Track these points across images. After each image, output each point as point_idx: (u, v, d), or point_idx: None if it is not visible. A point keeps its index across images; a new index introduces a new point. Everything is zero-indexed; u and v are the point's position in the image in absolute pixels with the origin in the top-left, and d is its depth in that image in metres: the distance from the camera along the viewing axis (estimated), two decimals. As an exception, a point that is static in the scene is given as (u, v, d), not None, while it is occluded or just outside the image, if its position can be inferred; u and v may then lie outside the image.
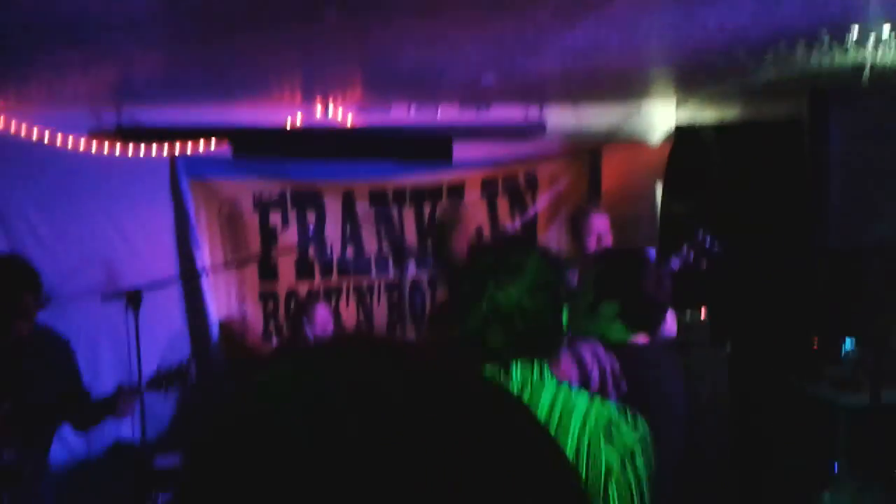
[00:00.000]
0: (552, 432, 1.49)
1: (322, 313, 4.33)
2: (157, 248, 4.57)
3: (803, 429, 4.35)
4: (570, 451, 1.48)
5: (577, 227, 4.09)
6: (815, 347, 4.68)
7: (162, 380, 3.35)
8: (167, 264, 4.55)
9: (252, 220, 4.77)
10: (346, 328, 4.84)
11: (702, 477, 4.51)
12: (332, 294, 4.87)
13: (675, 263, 3.70)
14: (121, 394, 3.22)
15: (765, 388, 4.65)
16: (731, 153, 4.89)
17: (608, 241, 3.99)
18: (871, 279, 4.42)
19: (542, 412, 1.53)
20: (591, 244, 3.97)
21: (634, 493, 1.47)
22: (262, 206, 4.79)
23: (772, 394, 4.62)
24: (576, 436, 1.50)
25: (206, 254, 4.65)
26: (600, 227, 3.98)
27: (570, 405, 1.54)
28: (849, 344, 4.35)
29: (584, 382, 1.80)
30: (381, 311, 4.99)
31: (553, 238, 5.21)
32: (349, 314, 4.93)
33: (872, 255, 4.16)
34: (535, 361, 1.60)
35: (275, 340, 4.79)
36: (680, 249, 3.74)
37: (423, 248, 5.02)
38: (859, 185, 3.98)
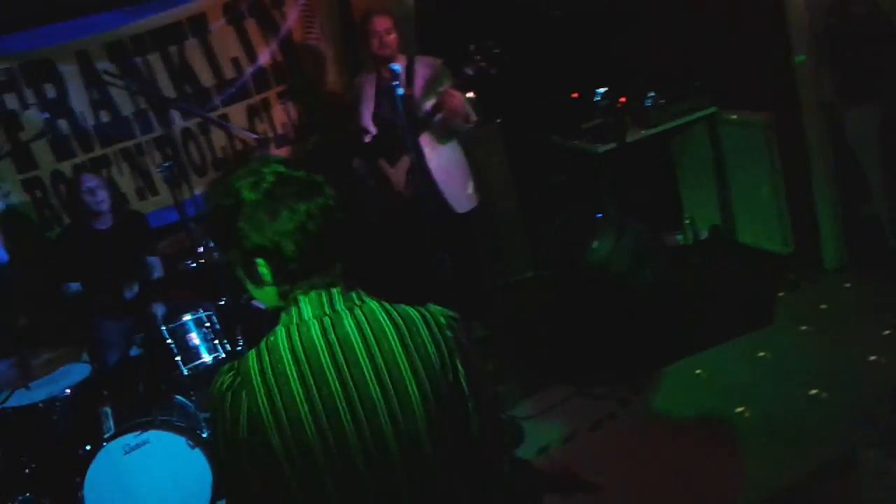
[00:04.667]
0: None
1: (91, 182, 4.16)
2: None
3: (572, 183, 4.79)
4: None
5: (363, 32, 4.14)
6: (574, 98, 4.99)
7: None
8: None
9: (-13, 109, 4.38)
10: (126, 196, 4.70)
11: (496, 243, 4.95)
12: (101, 166, 4.65)
13: (470, 72, 3.86)
14: None
15: (535, 151, 5.01)
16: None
17: (390, 39, 4.05)
18: (613, 34, 4.69)
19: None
20: (374, 46, 4.06)
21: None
22: (-7, 91, 4.39)
23: (542, 155, 4.99)
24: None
25: (-53, 158, 4.28)
26: (380, 26, 4.04)
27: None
28: (599, 95, 4.67)
29: None
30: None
31: (312, 50, 5.11)
32: (126, 180, 4.75)
33: (604, 12, 4.39)
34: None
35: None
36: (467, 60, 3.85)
37: (181, 94, 4.81)
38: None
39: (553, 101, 4.97)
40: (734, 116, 4.57)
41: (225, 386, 1.43)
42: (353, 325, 1.47)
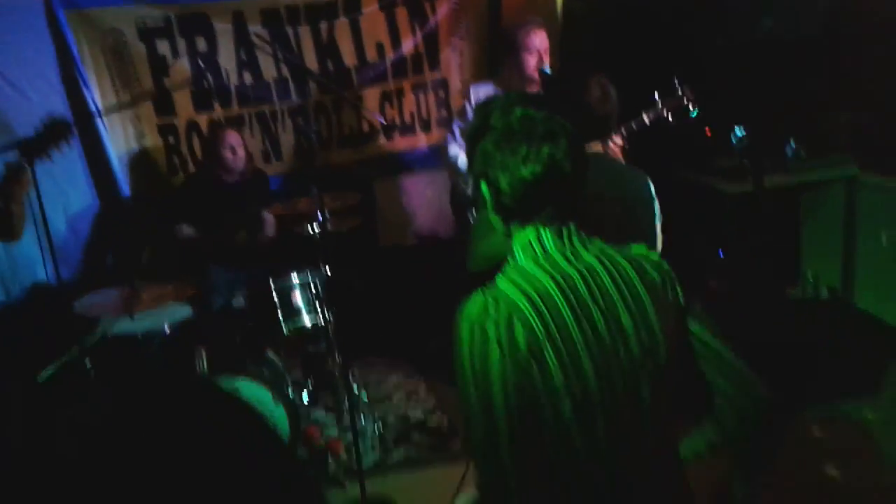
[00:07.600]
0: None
1: (234, 140, 4.30)
2: (45, 90, 4.36)
3: (694, 218, 4.64)
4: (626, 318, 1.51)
5: (515, 45, 3.86)
6: (709, 136, 4.86)
7: (42, 143, 3.15)
8: (59, 106, 4.37)
9: (139, 52, 4.55)
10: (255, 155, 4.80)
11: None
12: (234, 124, 4.78)
13: (649, 118, 3.24)
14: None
15: (661, 182, 4.88)
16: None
17: (547, 59, 3.84)
18: (759, 71, 4.56)
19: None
20: (531, 63, 3.80)
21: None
22: (148, 35, 4.56)
23: (668, 187, 4.85)
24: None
25: (96, 92, 4.47)
26: (541, 44, 3.82)
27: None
28: (738, 132, 4.54)
29: None
30: (287, 138, 4.95)
31: (456, 51, 5.15)
32: (255, 142, 4.87)
33: (762, 48, 4.27)
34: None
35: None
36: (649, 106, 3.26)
37: (323, 70, 4.91)
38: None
39: (685, 135, 4.85)
40: (876, 181, 4.37)
41: (491, 313, 1.44)
42: (593, 258, 1.54)
